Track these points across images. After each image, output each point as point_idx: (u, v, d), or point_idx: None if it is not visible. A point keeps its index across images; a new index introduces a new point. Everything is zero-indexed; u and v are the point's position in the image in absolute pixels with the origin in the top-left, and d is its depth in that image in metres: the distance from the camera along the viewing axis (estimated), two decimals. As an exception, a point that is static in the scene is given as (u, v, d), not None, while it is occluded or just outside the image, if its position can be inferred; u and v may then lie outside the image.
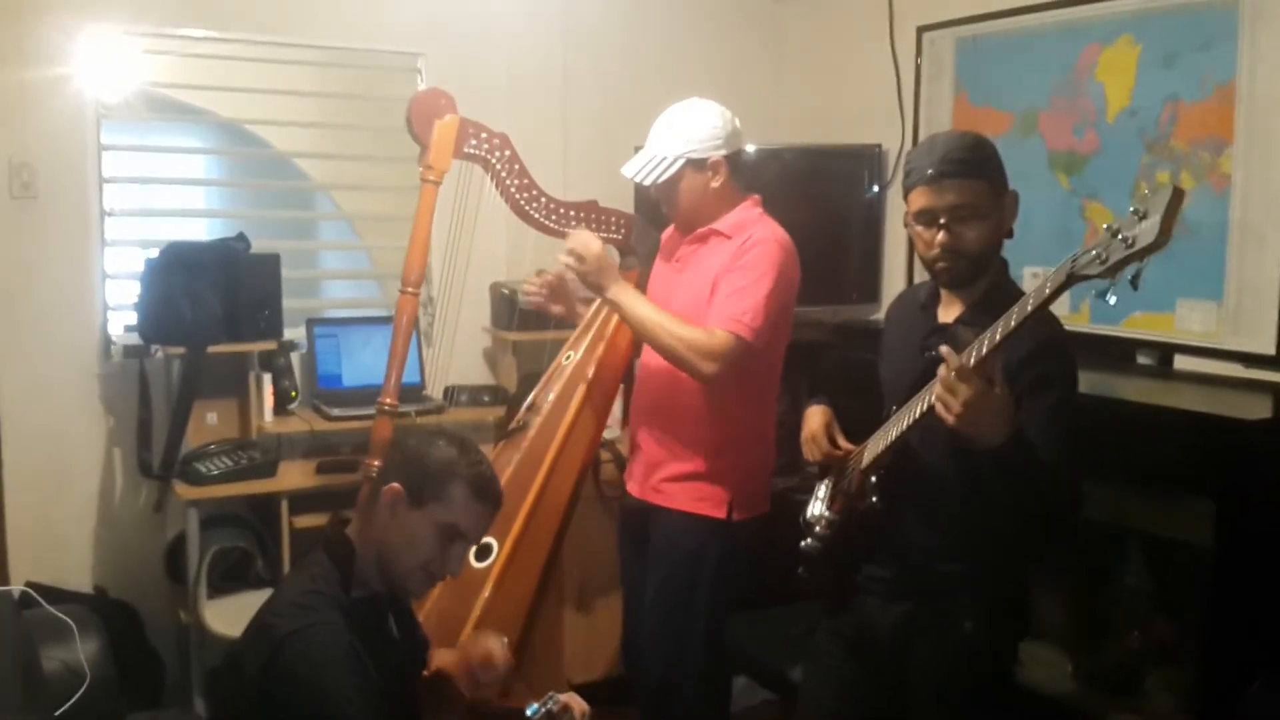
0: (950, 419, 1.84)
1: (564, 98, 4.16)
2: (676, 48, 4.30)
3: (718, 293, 2.66)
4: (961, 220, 2.09)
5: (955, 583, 2.15)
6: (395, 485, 1.99)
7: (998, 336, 1.80)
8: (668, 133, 2.73)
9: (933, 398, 1.91)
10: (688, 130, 2.71)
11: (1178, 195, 1.58)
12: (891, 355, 2.35)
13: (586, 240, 2.68)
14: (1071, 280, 1.71)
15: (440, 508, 1.99)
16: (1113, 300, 1.68)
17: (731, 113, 2.76)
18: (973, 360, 1.82)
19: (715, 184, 2.73)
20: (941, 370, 1.84)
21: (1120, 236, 1.62)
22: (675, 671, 2.80)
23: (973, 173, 2.09)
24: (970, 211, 2.08)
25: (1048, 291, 1.73)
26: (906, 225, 2.19)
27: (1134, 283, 1.64)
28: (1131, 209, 1.62)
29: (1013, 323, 1.78)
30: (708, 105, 2.75)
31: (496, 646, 2.26)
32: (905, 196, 2.18)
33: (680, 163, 2.71)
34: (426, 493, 1.99)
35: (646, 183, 2.75)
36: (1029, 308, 1.76)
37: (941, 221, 2.09)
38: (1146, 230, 1.59)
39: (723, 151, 2.72)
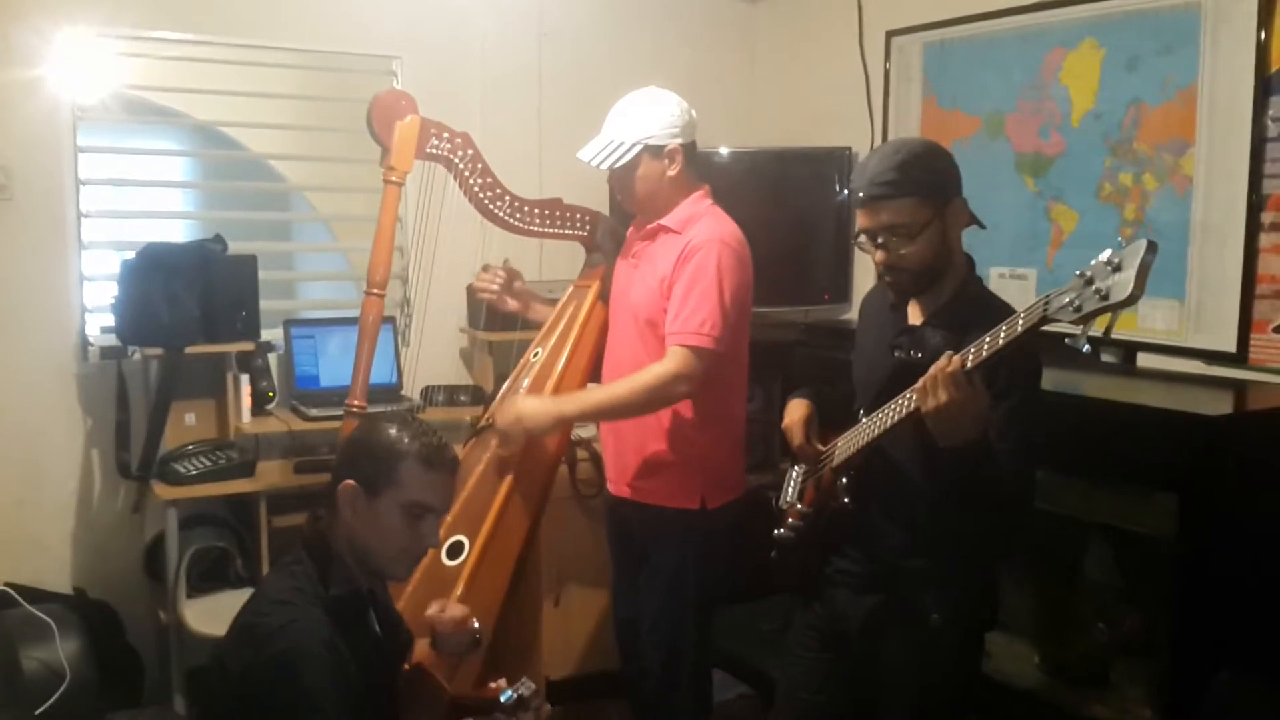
0: (927, 409, 1.89)
1: (539, 99, 4.19)
2: (650, 50, 4.33)
3: (669, 309, 2.69)
4: (896, 238, 2.10)
5: (923, 578, 2.18)
6: (349, 481, 1.98)
7: (984, 353, 1.84)
8: (626, 119, 2.74)
9: (907, 405, 1.96)
10: (646, 117, 2.73)
11: (1151, 249, 1.62)
12: (863, 352, 2.37)
13: (507, 423, 2.70)
14: (1045, 321, 1.75)
15: (398, 491, 1.98)
16: (1085, 349, 1.71)
17: (688, 104, 2.78)
18: (969, 364, 1.86)
19: (671, 172, 2.75)
20: (934, 368, 1.88)
21: (1095, 288, 1.65)
22: (671, 666, 2.83)
23: (901, 192, 2.08)
24: (905, 230, 2.09)
25: (1020, 329, 1.78)
26: (853, 239, 2.22)
27: (1106, 335, 1.71)
28: (1104, 260, 1.65)
29: (984, 351, 1.83)
30: (666, 94, 2.77)
31: (461, 609, 2.34)
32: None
33: (638, 148, 2.72)
34: (380, 480, 1.98)
35: (603, 167, 2.75)
36: (1000, 340, 1.81)
37: (879, 241, 2.12)
38: (1120, 284, 1.63)
39: (679, 140, 2.74)
